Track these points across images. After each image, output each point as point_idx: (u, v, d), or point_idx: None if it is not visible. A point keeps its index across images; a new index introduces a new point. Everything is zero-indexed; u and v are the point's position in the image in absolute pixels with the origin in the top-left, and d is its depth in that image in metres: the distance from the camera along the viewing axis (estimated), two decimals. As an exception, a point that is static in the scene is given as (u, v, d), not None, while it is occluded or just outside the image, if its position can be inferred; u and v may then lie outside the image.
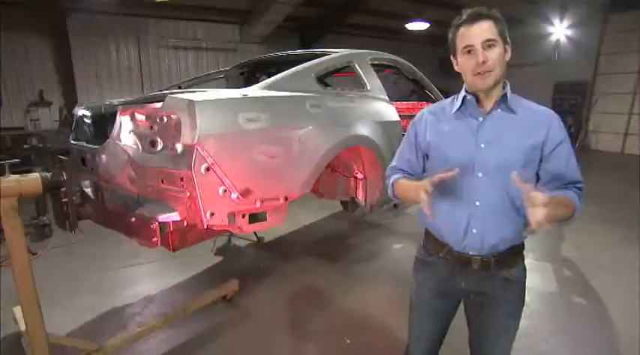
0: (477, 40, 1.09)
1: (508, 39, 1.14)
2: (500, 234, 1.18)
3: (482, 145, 1.16)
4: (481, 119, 1.18)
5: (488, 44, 1.09)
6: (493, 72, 1.11)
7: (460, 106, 1.22)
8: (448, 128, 1.23)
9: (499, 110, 1.18)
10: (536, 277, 3.08)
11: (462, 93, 1.22)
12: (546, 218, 0.93)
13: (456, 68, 1.21)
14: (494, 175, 1.15)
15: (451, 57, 1.21)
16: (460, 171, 1.14)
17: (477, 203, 1.17)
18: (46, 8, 7.41)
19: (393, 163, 1.40)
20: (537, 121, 1.16)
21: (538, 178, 1.19)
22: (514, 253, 1.23)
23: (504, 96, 1.16)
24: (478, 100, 1.19)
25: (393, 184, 1.34)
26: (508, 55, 1.15)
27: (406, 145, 1.36)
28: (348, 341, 2.30)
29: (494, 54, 1.10)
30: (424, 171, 1.34)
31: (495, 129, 1.17)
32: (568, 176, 1.17)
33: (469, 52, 1.12)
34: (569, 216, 1.13)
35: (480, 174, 1.16)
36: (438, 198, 1.22)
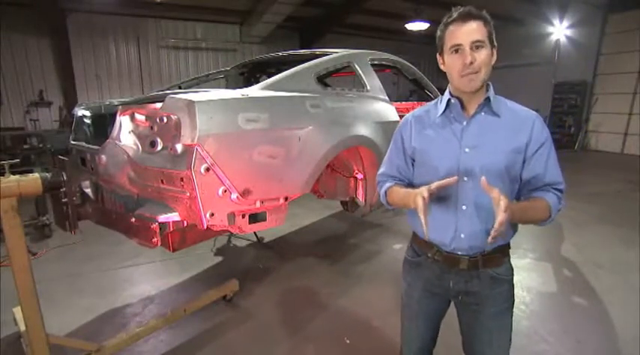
0: (466, 40, 1.09)
1: (495, 42, 1.14)
2: (488, 236, 1.16)
3: (467, 150, 1.16)
4: (465, 123, 1.18)
5: (477, 45, 1.09)
6: (479, 74, 1.11)
7: (445, 110, 1.22)
8: (433, 133, 1.23)
9: (483, 113, 1.18)
10: (536, 277, 3.05)
11: (447, 95, 1.22)
12: (502, 224, 0.99)
13: (441, 67, 1.20)
14: (479, 179, 1.13)
15: (437, 55, 1.21)
16: (446, 176, 1.14)
17: (464, 207, 1.17)
18: (46, 8, 7.43)
19: (382, 170, 1.39)
20: (520, 124, 1.16)
21: (521, 179, 1.20)
22: (501, 252, 1.24)
23: (487, 99, 1.16)
24: (462, 103, 1.19)
25: (385, 192, 1.34)
26: (494, 58, 1.15)
27: (394, 151, 1.36)
28: (347, 341, 2.30)
29: (482, 55, 1.10)
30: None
31: (479, 133, 1.17)
32: (547, 177, 1.17)
33: (456, 51, 1.12)
34: (544, 217, 1.15)
35: (466, 179, 1.16)
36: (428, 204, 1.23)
